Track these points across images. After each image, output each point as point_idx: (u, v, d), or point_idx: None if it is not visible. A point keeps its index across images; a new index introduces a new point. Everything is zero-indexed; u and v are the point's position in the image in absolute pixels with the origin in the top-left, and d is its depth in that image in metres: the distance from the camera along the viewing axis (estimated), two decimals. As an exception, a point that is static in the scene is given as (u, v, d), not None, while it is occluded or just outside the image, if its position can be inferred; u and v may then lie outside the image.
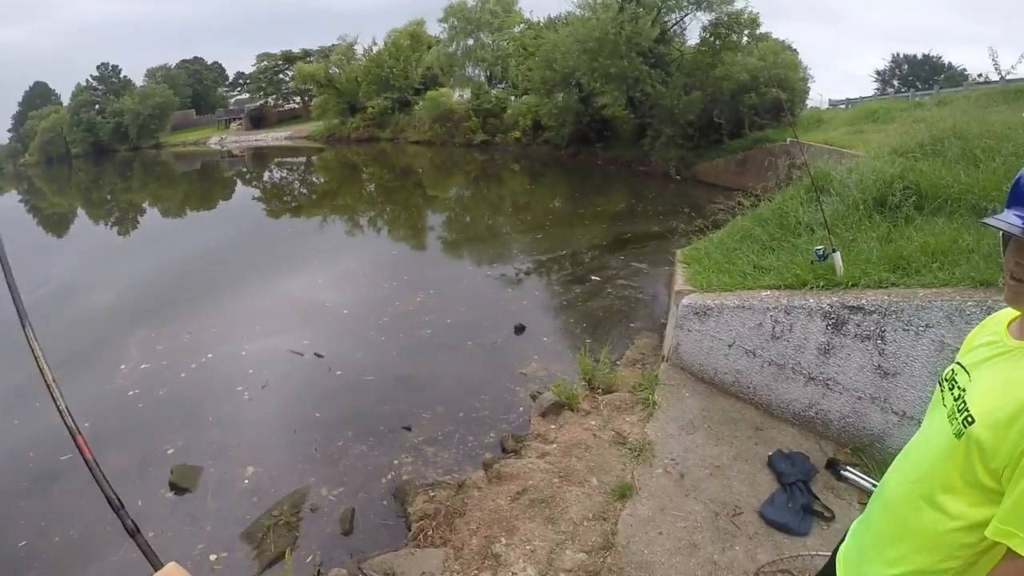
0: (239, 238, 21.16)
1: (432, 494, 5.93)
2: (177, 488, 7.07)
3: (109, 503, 1.57)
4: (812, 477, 5.13)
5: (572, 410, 6.79)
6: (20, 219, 37.83)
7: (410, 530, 5.60)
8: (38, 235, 31.27)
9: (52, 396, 1.66)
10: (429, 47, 40.04)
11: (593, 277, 11.40)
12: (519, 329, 9.54)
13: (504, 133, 30.19)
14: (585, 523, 4.95)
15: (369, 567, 5.08)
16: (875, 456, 5.29)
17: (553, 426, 6.63)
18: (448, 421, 7.40)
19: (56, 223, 36.66)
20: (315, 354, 9.78)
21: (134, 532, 1.52)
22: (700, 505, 4.94)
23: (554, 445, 6.20)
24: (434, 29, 39.42)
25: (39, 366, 1.69)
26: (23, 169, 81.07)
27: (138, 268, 18.45)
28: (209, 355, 10.51)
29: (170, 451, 7.85)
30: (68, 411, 1.67)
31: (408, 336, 9.95)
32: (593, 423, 6.41)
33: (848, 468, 5.16)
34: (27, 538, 6.78)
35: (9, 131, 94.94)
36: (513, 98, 32.12)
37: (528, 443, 6.47)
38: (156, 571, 1.44)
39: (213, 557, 5.95)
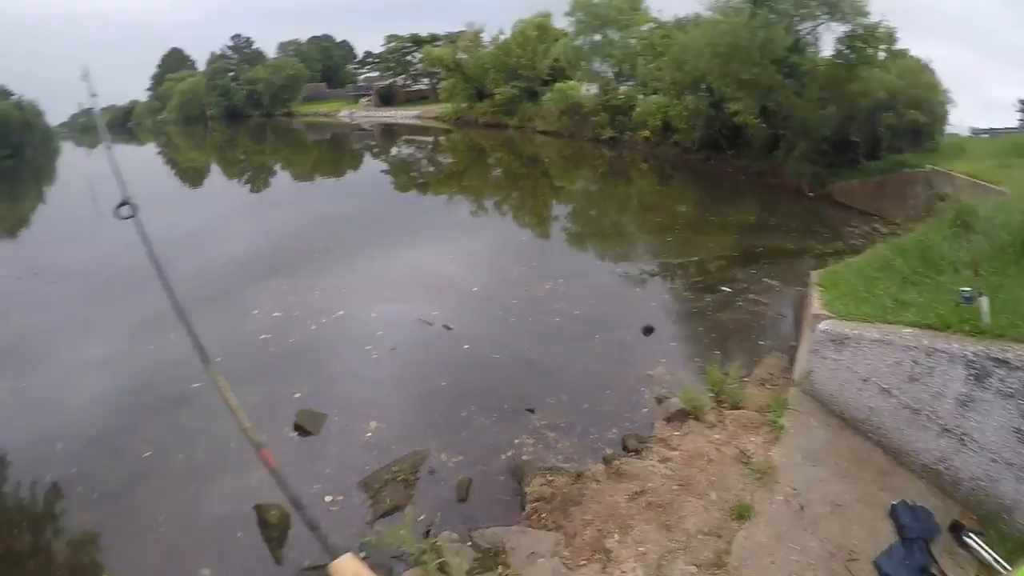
0: (368, 207, 22.00)
1: (550, 478, 5.98)
2: (302, 430, 7.51)
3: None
4: (934, 537, 4.79)
5: (697, 420, 6.70)
6: (158, 169, 40.78)
7: (524, 509, 5.69)
8: (175, 186, 33.69)
9: (236, 418, 1.89)
10: (556, 40, 40.14)
11: (723, 288, 11.08)
12: (648, 330, 9.40)
13: (632, 131, 29.75)
14: (699, 536, 4.90)
15: (480, 536, 5.21)
16: (1003, 528, 4.78)
17: (677, 433, 6.57)
18: (572, 410, 7.40)
19: (192, 176, 39.30)
20: (444, 326, 10.00)
21: (314, 526, 1.68)
22: (816, 542, 4.79)
23: (676, 452, 6.16)
24: (560, 22, 39.65)
25: (222, 395, 1.94)
26: (160, 125, 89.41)
27: (270, 225, 19.80)
28: (340, 312, 10.99)
29: (297, 395, 8.31)
30: (252, 429, 1.88)
31: (537, 321, 9.99)
32: (717, 437, 6.32)
33: (972, 535, 4.72)
34: (153, 451, 7.51)
35: (148, 90, 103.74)
36: (641, 96, 31.58)
37: (651, 445, 6.44)
38: (333, 559, 1.53)
39: (328, 499, 6.28)
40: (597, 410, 7.37)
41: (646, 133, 28.26)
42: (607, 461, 6.19)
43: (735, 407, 6.89)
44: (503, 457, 6.63)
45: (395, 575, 5.08)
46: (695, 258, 12.52)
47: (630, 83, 34.03)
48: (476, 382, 8.25)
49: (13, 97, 67.33)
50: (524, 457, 6.56)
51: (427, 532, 5.26)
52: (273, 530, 5.81)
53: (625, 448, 6.62)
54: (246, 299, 12.07)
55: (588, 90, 35.03)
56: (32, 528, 6.66)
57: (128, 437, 7.90)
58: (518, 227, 17.21)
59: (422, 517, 5.57)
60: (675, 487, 5.50)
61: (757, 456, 5.81)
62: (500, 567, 4.78)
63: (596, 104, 32.63)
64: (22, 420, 8.77)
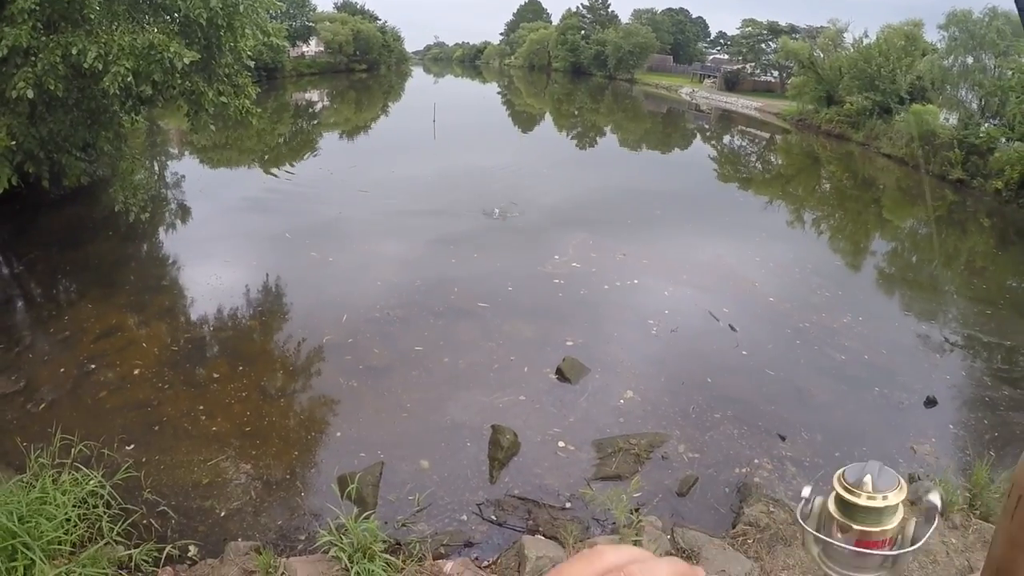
0: (687, 188, 22.19)
1: (772, 510, 5.73)
2: (562, 375, 7.92)
3: None
4: None
5: (942, 515, 5.77)
6: (498, 108, 44.47)
7: (734, 527, 5.54)
8: (510, 130, 36.53)
9: None
10: (924, 54, 35.56)
11: None
12: (930, 402, 8.29)
13: (985, 178, 25.57)
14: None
15: (681, 534, 5.15)
16: None
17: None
18: (822, 453, 6.96)
19: (525, 120, 42.18)
20: (729, 325, 9.84)
21: None
22: None
23: None
24: (931, 35, 34.95)
25: None
26: (506, 68, 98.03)
27: (589, 182, 20.97)
28: (635, 280, 11.39)
29: (569, 343, 8.83)
30: None
31: (822, 352, 9.40)
32: (954, 541, 5.60)
33: None
34: (424, 348, 8.52)
35: (501, 34, 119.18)
36: (1004, 140, 26.95)
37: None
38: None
39: (561, 444, 6.63)
40: (846, 463, 6.62)
41: (998, 184, 24.16)
42: None
43: (985, 518, 6.01)
44: (736, 471, 6.47)
45: (589, 535, 5.25)
46: (1008, 343, 10.62)
47: (994, 121, 29.27)
48: (740, 390, 8.07)
49: (379, 22, 79.36)
50: (756, 479, 6.33)
51: (636, 509, 5.26)
52: (500, 452, 6.22)
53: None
54: (552, 243, 13.05)
55: (946, 119, 30.83)
56: (288, 373, 7.96)
57: (407, 329, 9.08)
58: (831, 250, 16.02)
59: (638, 494, 5.59)
60: (890, 572, 4.91)
61: (980, 577, 4.94)
62: (687, 571, 4.68)
63: (951, 137, 28.61)
64: (321, 287, 10.51)
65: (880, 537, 0.99)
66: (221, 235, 13.19)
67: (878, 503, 0.98)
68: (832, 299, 11.51)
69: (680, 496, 5.99)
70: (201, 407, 6.89)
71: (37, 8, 9.12)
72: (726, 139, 40.25)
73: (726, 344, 9.30)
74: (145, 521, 5.07)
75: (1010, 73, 28.56)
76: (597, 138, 35.56)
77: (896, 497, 0.98)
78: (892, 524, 0.98)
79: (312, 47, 67.35)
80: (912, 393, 8.41)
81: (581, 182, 20.57)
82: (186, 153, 23.27)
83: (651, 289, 11.13)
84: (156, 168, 20.72)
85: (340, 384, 7.53)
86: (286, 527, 5.28)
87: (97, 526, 4.62)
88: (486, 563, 4.86)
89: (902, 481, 1.01)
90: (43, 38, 9.47)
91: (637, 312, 10.09)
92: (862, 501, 0.98)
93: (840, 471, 1.03)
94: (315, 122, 35.81)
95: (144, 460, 5.85)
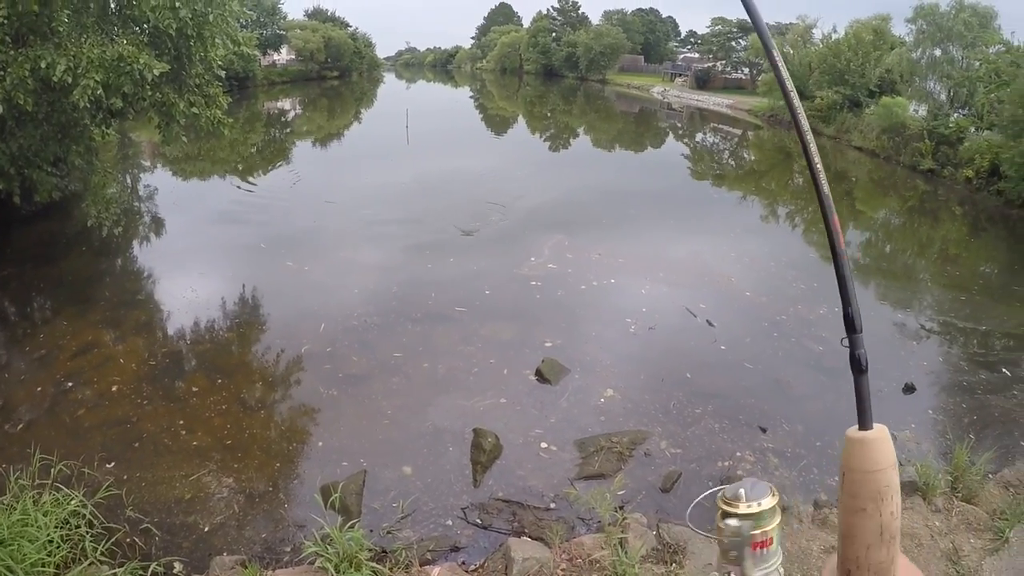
0: (662, 186, 22.33)
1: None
2: (541, 376, 7.98)
3: None
4: None
5: (923, 499, 6.05)
6: (471, 112, 44.48)
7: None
8: (483, 133, 36.56)
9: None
10: (892, 47, 36.08)
11: (1003, 370, 9.54)
12: (908, 389, 8.45)
13: (955, 167, 25.90)
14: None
15: (667, 530, 5.17)
16: None
17: None
18: (803, 443, 7.04)
19: (498, 123, 42.26)
20: (707, 321, 9.96)
21: None
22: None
23: None
24: (899, 29, 35.51)
25: None
26: (478, 72, 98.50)
27: (564, 183, 21.16)
28: (612, 280, 11.55)
29: (547, 344, 8.90)
30: None
31: (799, 344, 9.54)
32: (937, 524, 5.70)
33: None
34: (403, 354, 8.55)
35: (472, 38, 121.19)
36: (973, 129, 27.31)
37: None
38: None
39: (543, 445, 6.68)
40: (828, 452, 6.92)
41: (969, 173, 24.53)
42: (817, 505, 5.85)
43: (968, 500, 6.16)
44: (719, 465, 6.54)
45: (575, 534, 5.28)
46: (983, 327, 10.83)
47: (963, 111, 29.73)
48: (720, 384, 8.17)
49: (350, 28, 79.57)
50: (739, 472, 6.41)
51: (620, 507, 5.32)
52: (483, 455, 6.26)
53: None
54: (528, 245, 13.15)
55: (916, 111, 31.26)
56: (267, 384, 7.93)
57: (385, 336, 9.10)
58: (806, 243, 16.18)
59: (622, 492, 5.65)
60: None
61: (968, 560, 5.20)
62: (674, 565, 4.78)
63: (921, 128, 29.01)
64: (297, 297, 10.52)
65: (762, 537, 1.23)
66: (195, 247, 13.09)
67: (754, 509, 1.22)
68: (808, 291, 11.63)
69: (664, 492, 6.04)
70: (181, 422, 6.84)
71: (5, 22, 9.02)
72: (699, 137, 40.57)
73: (704, 340, 9.40)
74: (129, 539, 5.05)
75: (977, 64, 28.99)
76: (570, 139, 35.73)
77: (769, 502, 1.24)
78: (771, 525, 1.24)
79: (283, 55, 67.16)
80: (891, 381, 8.54)
81: (555, 184, 20.71)
82: (158, 165, 23.03)
83: (628, 288, 11.22)
84: (129, 181, 20.49)
85: (320, 393, 7.52)
86: (271, 539, 5.27)
87: (80, 546, 4.59)
88: (473, 567, 4.87)
89: (773, 489, 1.26)
90: (11, 52, 9.36)
91: (615, 311, 10.17)
92: (740, 510, 1.22)
93: (720, 491, 1.28)
94: (288, 131, 35.59)
95: (125, 477, 5.81)
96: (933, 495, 6.08)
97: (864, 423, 1.29)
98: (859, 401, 1.31)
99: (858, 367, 1.31)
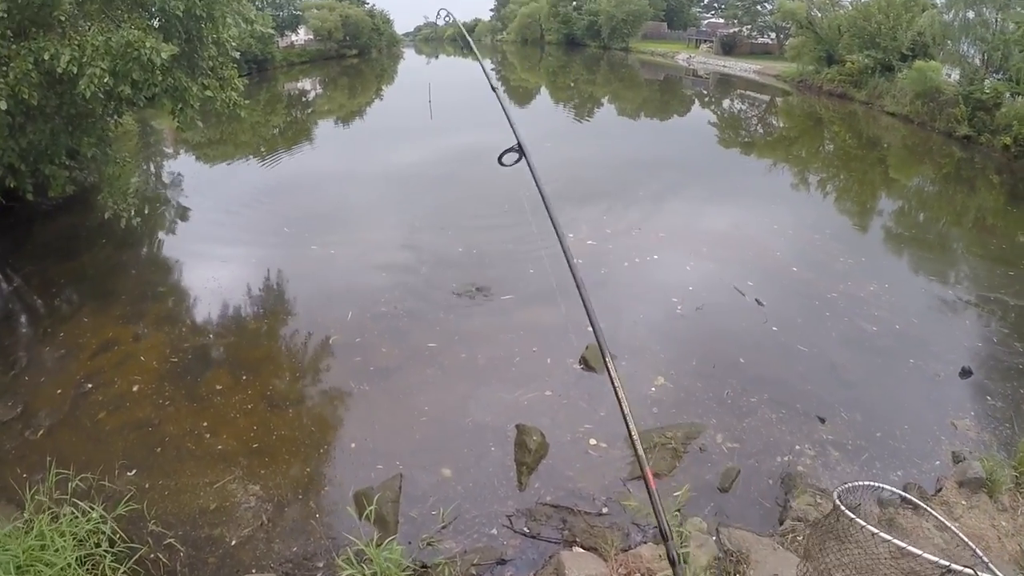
0: (691, 156, 21.51)
1: (819, 501, 5.43)
2: (587, 365, 7.53)
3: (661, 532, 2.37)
4: None
5: (990, 496, 5.66)
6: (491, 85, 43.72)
7: (781, 523, 5.22)
8: (505, 104, 35.80)
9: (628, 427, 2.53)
10: (924, 9, 34.72)
11: None
12: (965, 372, 7.86)
13: (992, 134, 24.82)
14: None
15: (726, 535, 4.85)
16: None
17: (964, 502, 5.56)
18: (863, 434, 6.54)
19: (521, 94, 41.50)
20: (756, 300, 9.44)
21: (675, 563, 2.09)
22: None
23: (956, 524, 5.09)
24: None
25: (617, 395, 2.59)
26: (498, 43, 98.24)
27: (590, 154, 20.44)
28: (654, 256, 11.03)
29: (588, 329, 8.09)
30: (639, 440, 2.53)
31: (853, 324, 8.95)
32: (1004, 524, 5.30)
33: None
34: (438, 344, 8.10)
35: (491, 11, 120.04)
36: (1009, 95, 26.16)
37: (932, 506, 5.45)
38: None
39: (592, 442, 6.23)
40: (889, 444, 6.45)
41: (1006, 140, 23.50)
42: (882, 504, 5.39)
43: None
44: (779, 460, 6.08)
45: (630, 542, 4.93)
46: None
47: (999, 76, 28.49)
48: (774, 369, 7.66)
49: (368, 5, 78.96)
50: (800, 468, 5.96)
51: (678, 510, 4.91)
52: (527, 455, 5.86)
53: (903, 498, 5.64)
54: (563, 221, 12.17)
55: (949, 75, 30.09)
56: (294, 379, 7.52)
57: (416, 323, 8.69)
58: (845, 212, 15.42)
59: (677, 493, 5.18)
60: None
61: (1034, 563, 4.72)
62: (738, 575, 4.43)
63: (956, 93, 27.86)
64: (323, 282, 10.13)
65: None
66: (217, 234, 12.71)
67: None
68: (855, 266, 11.04)
69: (722, 492, 5.62)
70: (204, 423, 6.53)
71: (5, 15, 8.65)
72: (725, 103, 39.38)
73: (754, 320, 8.88)
74: (152, 556, 4.77)
75: (1012, 26, 27.70)
76: (595, 109, 34.82)
77: None
78: None
79: (301, 36, 66.56)
80: (947, 363, 8.02)
81: (584, 156, 19.96)
82: (180, 152, 22.75)
83: (672, 265, 10.73)
84: (152, 169, 20.24)
85: (350, 388, 7.16)
86: (302, 554, 4.92)
87: (100, 567, 4.29)
88: (522, 582, 4.48)
89: None
90: (13, 46, 8.99)
91: (660, 290, 9.67)
92: None
93: None
94: (309, 111, 35.13)
95: (147, 487, 5.52)
96: (999, 492, 5.71)
97: None
98: None
99: None
